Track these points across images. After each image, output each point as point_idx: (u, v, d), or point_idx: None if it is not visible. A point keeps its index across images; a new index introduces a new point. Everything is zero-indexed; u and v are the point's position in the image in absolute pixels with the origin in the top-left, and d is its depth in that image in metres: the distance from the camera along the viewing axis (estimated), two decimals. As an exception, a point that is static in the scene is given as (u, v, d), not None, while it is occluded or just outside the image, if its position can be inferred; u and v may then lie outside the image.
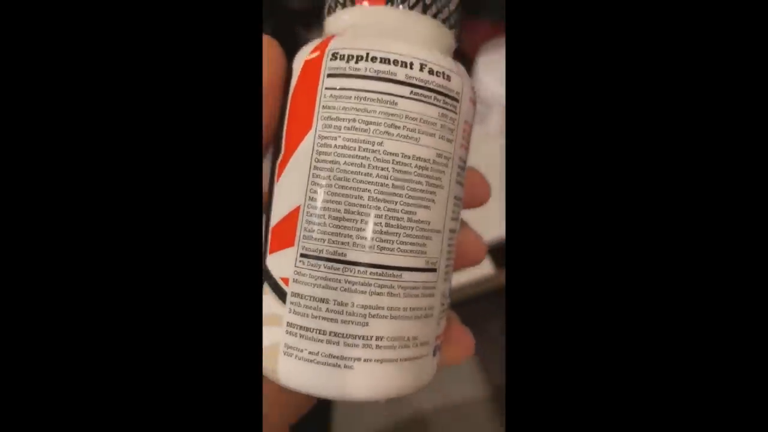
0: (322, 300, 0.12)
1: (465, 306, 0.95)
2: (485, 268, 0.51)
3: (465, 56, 0.54)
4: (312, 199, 0.12)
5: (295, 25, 0.51)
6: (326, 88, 0.12)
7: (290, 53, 0.53)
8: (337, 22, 0.13)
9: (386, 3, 0.12)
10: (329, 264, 0.12)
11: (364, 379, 0.12)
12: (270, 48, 0.12)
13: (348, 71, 0.12)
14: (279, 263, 0.12)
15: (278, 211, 0.12)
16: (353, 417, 0.96)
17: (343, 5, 0.13)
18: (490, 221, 0.48)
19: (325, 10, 0.14)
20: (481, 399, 0.98)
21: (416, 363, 0.13)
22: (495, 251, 0.51)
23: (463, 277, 0.51)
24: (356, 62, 0.12)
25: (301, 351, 0.12)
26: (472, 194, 0.15)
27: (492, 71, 0.47)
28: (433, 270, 0.13)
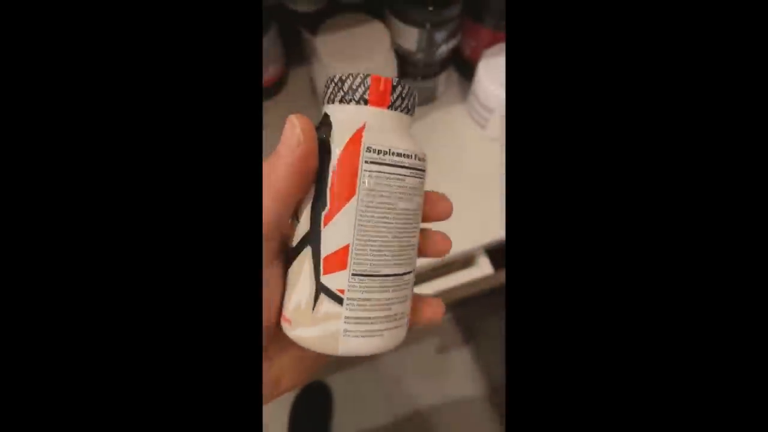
0: (367, 299, 0.18)
1: (464, 305, 0.95)
2: (484, 269, 0.52)
3: (467, 62, 0.54)
4: (358, 239, 0.18)
5: (299, 27, 0.51)
6: (364, 170, 0.18)
7: (295, 52, 0.53)
8: (351, 112, 0.18)
9: (388, 108, 0.19)
10: (371, 278, 0.18)
11: (388, 341, 0.19)
12: (309, 127, 0.17)
13: (378, 160, 0.18)
14: (334, 280, 0.18)
15: (328, 247, 0.18)
16: (353, 414, 0.97)
17: (357, 102, 0.18)
18: (489, 223, 0.49)
19: (338, 97, 0.19)
20: (480, 396, 0.99)
21: (403, 328, 0.20)
22: (493, 252, 0.52)
23: (463, 278, 0.52)
24: (383, 155, 0.18)
25: (355, 332, 0.18)
26: (439, 211, 0.21)
27: (493, 76, 0.48)
28: (413, 270, 0.20)
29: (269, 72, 0.53)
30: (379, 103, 0.18)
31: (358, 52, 0.44)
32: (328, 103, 0.19)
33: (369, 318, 0.18)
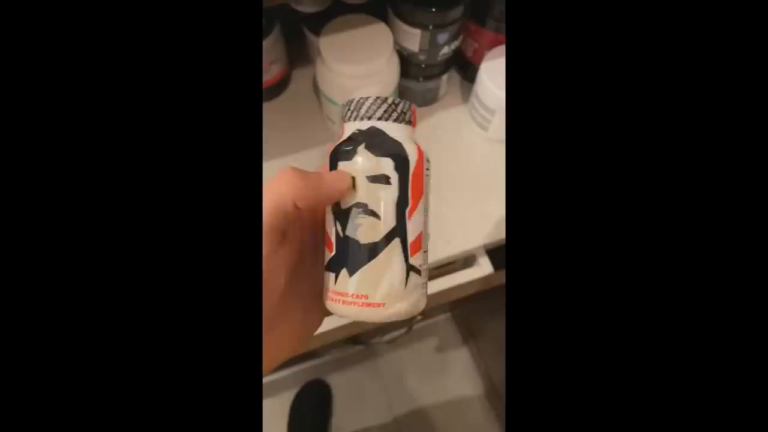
0: (427, 268, 0.24)
1: (464, 305, 0.94)
2: (485, 269, 0.52)
3: (469, 63, 0.55)
4: (425, 227, 0.24)
5: (302, 27, 0.52)
6: (426, 175, 0.24)
7: (298, 52, 0.54)
8: (405, 129, 0.24)
9: (415, 127, 0.25)
10: (426, 253, 0.24)
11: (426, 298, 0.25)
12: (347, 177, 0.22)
13: (428, 167, 0.24)
14: (416, 259, 0.23)
15: (412, 235, 0.23)
16: (353, 412, 0.98)
17: (407, 123, 0.24)
18: (490, 223, 0.49)
19: (392, 117, 0.23)
20: (478, 395, 0.99)
21: None
22: (494, 252, 0.53)
23: (463, 277, 0.52)
24: (428, 163, 0.24)
25: (425, 293, 0.24)
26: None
27: (494, 78, 0.48)
28: None
29: (272, 72, 0.53)
30: (414, 125, 0.24)
31: (361, 52, 0.45)
32: (379, 119, 0.23)
33: (426, 282, 0.24)
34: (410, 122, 0.24)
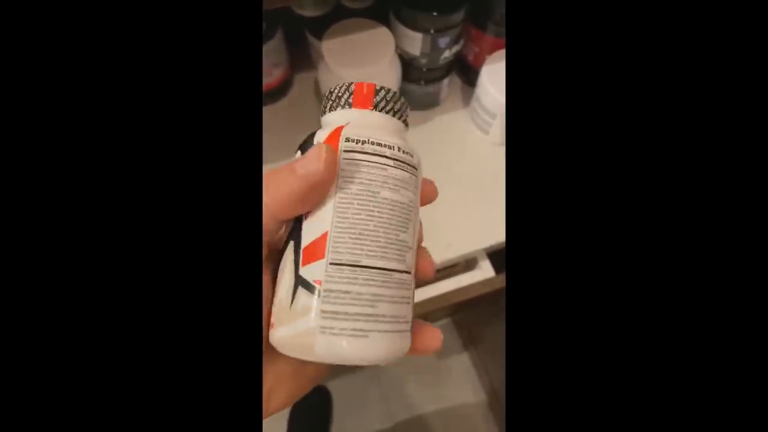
0: (346, 292, 0.17)
1: (465, 310, 0.94)
2: (486, 272, 0.52)
3: (471, 67, 0.55)
4: (336, 225, 0.17)
5: (305, 31, 0.52)
6: (342, 159, 0.18)
7: (300, 55, 0.54)
8: (337, 116, 0.20)
9: (372, 109, 0.19)
10: (351, 268, 0.17)
11: (376, 345, 0.17)
12: (333, 159, 0.17)
13: (356, 149, 0.18)
14: (312, 271, 0.17)
15: (308, 237, 0.17)
16: (353, 419, 0.97)
17: (342, 107, 0.19)
18: (491, 226, 0.49)
19: (328, 107, 0.20)
20: (479, 402, 0.99)
21: (404, 335, 0.18)
22: (495, 255, 0.53)
23: (464, 280, 0.52)
24: (362, 144, 0.18)
25: (333, 329, 0.16)
26: (425, 194, 0.21)
27: (495, 81, 0.49)
28: (409, 272, 0.19)
29: (274, 75, 0.53)
30: (362, 105, 0.19)
31: (363, 56, 0.45)
32: (322, 116, 0.20)
33: (348, 314, 0.16)
34: (348, 104, 0.19)
